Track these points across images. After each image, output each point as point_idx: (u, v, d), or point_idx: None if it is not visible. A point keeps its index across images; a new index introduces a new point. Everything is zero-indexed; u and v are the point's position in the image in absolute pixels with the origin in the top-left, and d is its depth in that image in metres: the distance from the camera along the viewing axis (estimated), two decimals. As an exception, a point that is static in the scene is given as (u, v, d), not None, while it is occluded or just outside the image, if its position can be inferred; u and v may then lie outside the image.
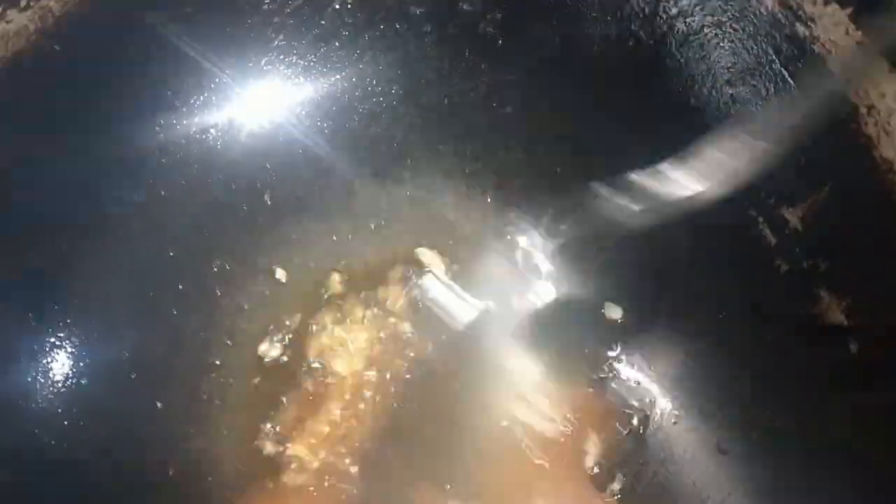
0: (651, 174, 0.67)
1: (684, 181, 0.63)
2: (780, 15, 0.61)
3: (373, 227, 0.80)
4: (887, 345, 0.55)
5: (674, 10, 0.65)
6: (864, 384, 0.57)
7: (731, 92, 0.65)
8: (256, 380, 0.75)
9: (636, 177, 0.68)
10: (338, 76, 0.76)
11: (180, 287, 0.75)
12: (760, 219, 0.64)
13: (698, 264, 0.68)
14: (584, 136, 0.73)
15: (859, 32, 0.57)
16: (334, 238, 0.79)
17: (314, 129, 0.77)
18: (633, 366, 0.73)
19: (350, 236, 0.79)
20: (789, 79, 0.62)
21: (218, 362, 0.75)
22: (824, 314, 0.60)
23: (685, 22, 0.65)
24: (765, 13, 0.62)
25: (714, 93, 0.66)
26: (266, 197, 0.77)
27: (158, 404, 0.72)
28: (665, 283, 0.71)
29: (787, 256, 0.63)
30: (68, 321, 0.69)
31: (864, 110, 0.57)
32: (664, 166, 0.66)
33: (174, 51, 0.70)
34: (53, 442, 0.65)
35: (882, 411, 0.55)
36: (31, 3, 0.64)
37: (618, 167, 0.71)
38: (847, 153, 0.58)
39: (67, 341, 0.69)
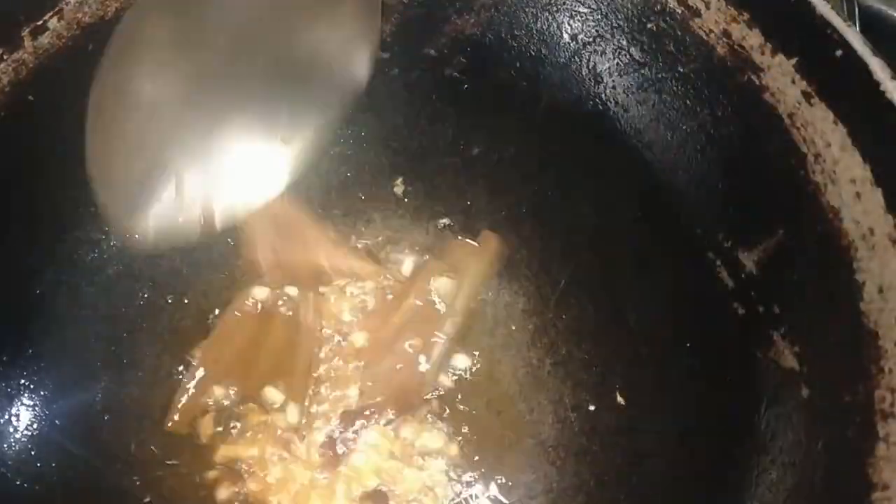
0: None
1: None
2: (729, 63, 0.62)
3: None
4: (837, 392, 0.55)
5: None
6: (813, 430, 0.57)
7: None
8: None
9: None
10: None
11: (155, 328, 0.77)
12: (718, 262, 0.65)
13: (655, 304, 0.69)
14: (548, 180, 0.74)
15: (804, 82, 0.57)
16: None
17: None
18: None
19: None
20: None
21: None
22: (778, 359, 0.61)
23: (634, 76, 0.66)
24: (716, 62, 0.62)
25: (669, 136, 0.66)
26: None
27: (132, 446, 0.73)
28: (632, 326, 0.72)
29: (743, 300, 0.64)
30: (42, 364, 0.70)
31: (811, 158, 0.58)
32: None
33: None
34: (26, 485, 0.67)
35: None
36: (5, 56, 0.66)
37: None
38: (797, 199, 0.58)
39: (41, 384, 0.70)
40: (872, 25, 1.06)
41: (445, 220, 0.80)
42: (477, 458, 0.73)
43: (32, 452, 0.69)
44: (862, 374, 0.53)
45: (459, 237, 0.80)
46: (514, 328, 0.77)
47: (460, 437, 0.73)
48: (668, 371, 0.68)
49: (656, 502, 0.66)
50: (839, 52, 0.54)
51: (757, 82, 0.60)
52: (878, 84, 0.52)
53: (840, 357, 0.56)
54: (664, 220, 0.69)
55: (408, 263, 0.79)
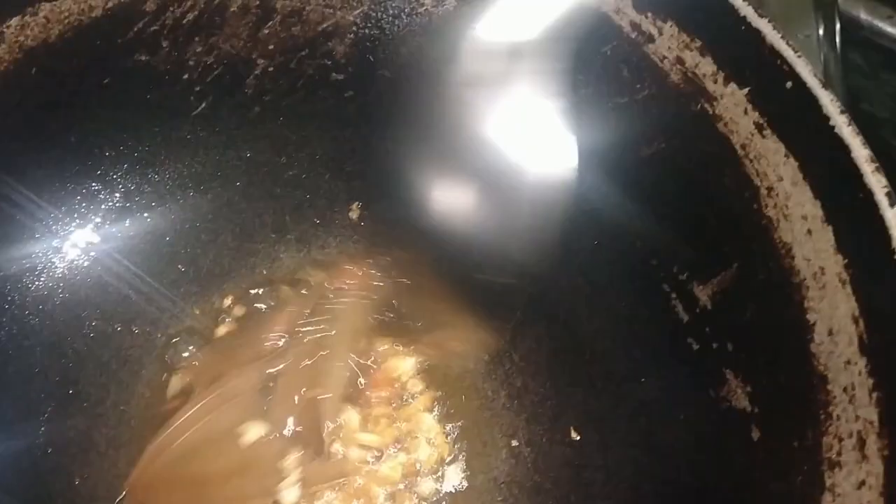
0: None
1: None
2: (684, 90, 0.60)
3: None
4: (786, 437, 0.53)
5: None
6: (762, 474, 0.55)
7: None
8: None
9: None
10: (260, 144, 0.76)
11: (102, 357, 0.75)
12: (674, 295, 0.63)
13: (610, 337, 0.67)
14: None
15: (756, 113, 0.55)
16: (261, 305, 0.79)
17: (234, 196, 0.77)
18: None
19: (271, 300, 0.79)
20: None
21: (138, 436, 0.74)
22: (731, 398, 0.59)
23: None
24: (671, 89, 0.60)
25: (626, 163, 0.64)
26: (186, 266, 0.77)
27: (76, 481, 0.71)
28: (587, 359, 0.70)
29: (697, 335, 0.62)
30: (-17, 397, 0.68)
31: (764, 191, 0.56)
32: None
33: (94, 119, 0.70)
34: (-36, 521, 0.65)
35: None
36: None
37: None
38: (751, 234, 0.57)
39: (-19, 418, 0.68)
40: (853, 33, 1.05)
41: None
42: (428, 494, 0.71)
43: (-31, 490, 0.67)
44: (811, 420, 0.51)
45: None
46: (469, 361, 0.75)
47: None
48: (623, 405, 0.66)
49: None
50: (789, 84, 0.52)
51: (710, 111, 0.58)
52: (827, 118, 0.50)
53: (790, 400, 0.54)
54: (621, 252, 0.67)
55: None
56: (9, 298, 0.70)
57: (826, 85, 0.51)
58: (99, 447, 0.73)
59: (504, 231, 0.69)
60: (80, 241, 0.74)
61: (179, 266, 0.76)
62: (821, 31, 1.05)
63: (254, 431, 0.69)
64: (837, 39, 1.07)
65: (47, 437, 0.71)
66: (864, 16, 1.08)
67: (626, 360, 0.66)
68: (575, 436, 0.68)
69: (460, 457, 0.72)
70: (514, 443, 0.71)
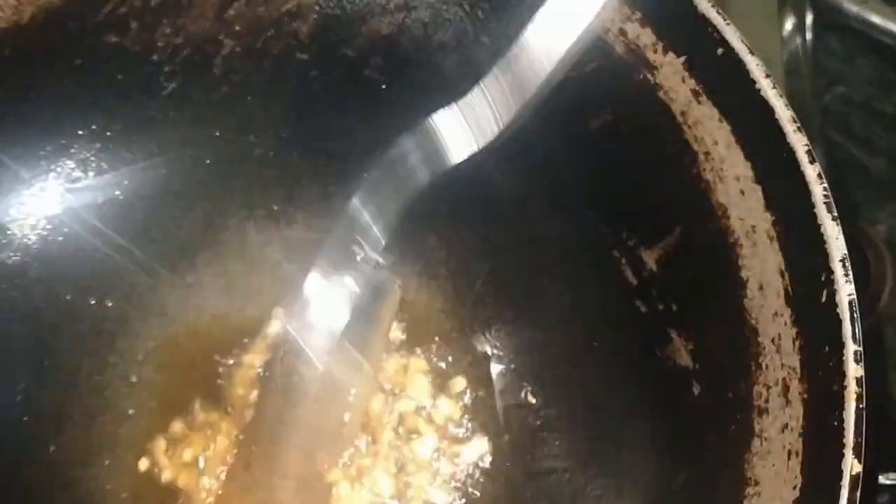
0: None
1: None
2: (627, 61, 0.62)
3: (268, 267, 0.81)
4: (722, 389, 0.56)
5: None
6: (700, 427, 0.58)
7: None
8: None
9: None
10: (228, 122, 0.78)
11: (78, 330, 0.77)
12: (623, 259, 0.65)
13: (567, 302, 0.69)
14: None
15: (693, 80, 0.58)
16: (227, 282, 0.81)
17: (204, 174, 0.79)
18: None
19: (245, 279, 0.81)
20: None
21: (112, 405, 0.76)
22: (675, 357, 0.61)
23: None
24: (616, 60, 0.63)
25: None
26: (158, 242, 0.79)
27: (51, 447, 0.74)
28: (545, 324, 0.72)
29: (645, 298, 0.64)
30: (-41, 365, 0.71)
31: (702, 156, 0.58)
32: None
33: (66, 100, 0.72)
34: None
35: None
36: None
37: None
38: (691, 197, 0.59)
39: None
40: (830, 18, 1.07)
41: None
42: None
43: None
44: (744, 372, 0.54)
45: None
46: (430, 328, 0.77)
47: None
48: (577, 370, 0.68)
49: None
50: (720, 51, 0.55)
51: (652, 81, 0.60)
52: (753, 82, 0.53)
53: (727, 354, 0.56)
54: (574, 217, 0.69)
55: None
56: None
57: (753, 51, 0.53)
58: (73, 416, 0.75)
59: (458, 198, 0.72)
60: (54, 218, 0.76)
61: (152, 243, 0.78)
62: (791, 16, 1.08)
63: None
64: (808, 21, 1.09)
65: (23, 407, 0.73)
66: (840, 1, 1.10)
67: (581, 325, 0.68)
68: (532, 399, 0.70)
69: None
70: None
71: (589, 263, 0.68)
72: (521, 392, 0.71)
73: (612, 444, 0.66)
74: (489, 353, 0.75)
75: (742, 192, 0.56)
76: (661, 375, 0.62)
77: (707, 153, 0.58)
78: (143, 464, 0.75)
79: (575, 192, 0.68)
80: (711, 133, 0.57)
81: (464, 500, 0.71)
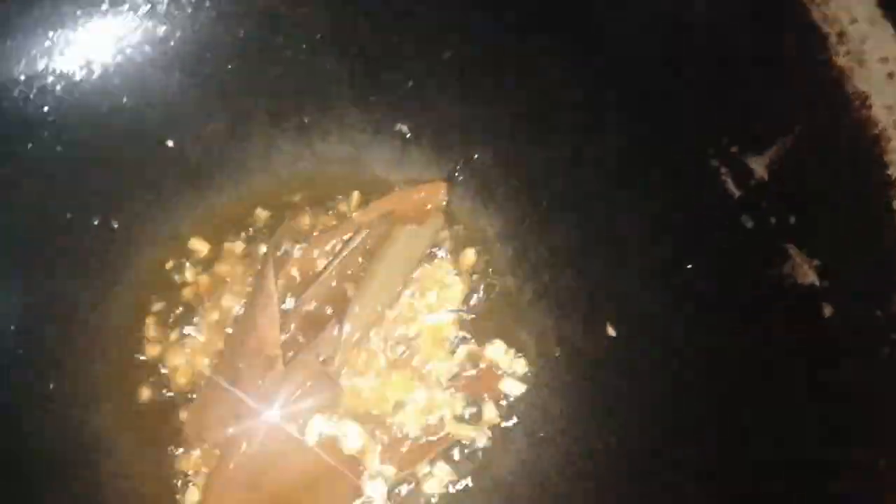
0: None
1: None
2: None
3: (295, 185, 0.71)
4: (866, 308, 0.47)
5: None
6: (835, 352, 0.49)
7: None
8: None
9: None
10: (251, 20, 0.68)
11: (77, 254, 0.67)
12: (723, 169, 0.56)
13: (650, 222, 0.60)
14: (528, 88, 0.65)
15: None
16: (247, 199, 0.71)
17: (229, 75, 0.69)
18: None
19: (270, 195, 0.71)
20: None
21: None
22: (795, 275, 0.52)
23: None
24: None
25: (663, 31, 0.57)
26: (173, 150, 0.69)
27: (50, 385, 0.64)
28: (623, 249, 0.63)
29: (752, 211, 0.55)
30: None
31: (833, 39, 0.49)
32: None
33: None
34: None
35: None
36: None
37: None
38: (817, 89, 0.50)
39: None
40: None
41: (409, 134, 0.70)
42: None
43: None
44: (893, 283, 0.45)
45: (424, 154, 0.70)
46: (489, 256, 0.68)
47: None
48: (666, 297, 0.59)
49: (655, 445, 0.57)
50: None
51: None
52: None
53: (870, 266, 0.48)
54: (659, 126, 0.60)
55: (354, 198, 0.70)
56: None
57: None
58: (75, 354, 0.65)
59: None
60: (54, 124, 0.65)
61: (166, 154, 0.68)
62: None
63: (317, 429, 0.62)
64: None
65: (17, 340, 0.63)
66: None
67: (669, 246, 0.59)
68: (612, 332, 0.61)
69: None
70: (542, 342, 0.64)
71: (678, 177, 0.59)
72: (604, 326, 0.62)
73: (710, 374, 0.57)
74: (558, 279, 0.65)
75: (890, 76, 0.47)
76: (776, 297, 0.53)
77: (842, 34, 0.49)
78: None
79: (660, 95, 0.59)
80: (849, 9, 0.49)
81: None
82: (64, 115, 0.65)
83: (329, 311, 0.65)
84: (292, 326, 0.64)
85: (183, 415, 0.64)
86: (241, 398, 0.63)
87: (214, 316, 0.67)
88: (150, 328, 0.67)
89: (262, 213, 0.71)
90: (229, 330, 0.67)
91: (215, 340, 0.67)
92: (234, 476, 0.59)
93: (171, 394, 0.66)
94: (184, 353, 0.66)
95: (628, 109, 0.61)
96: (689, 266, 0.58)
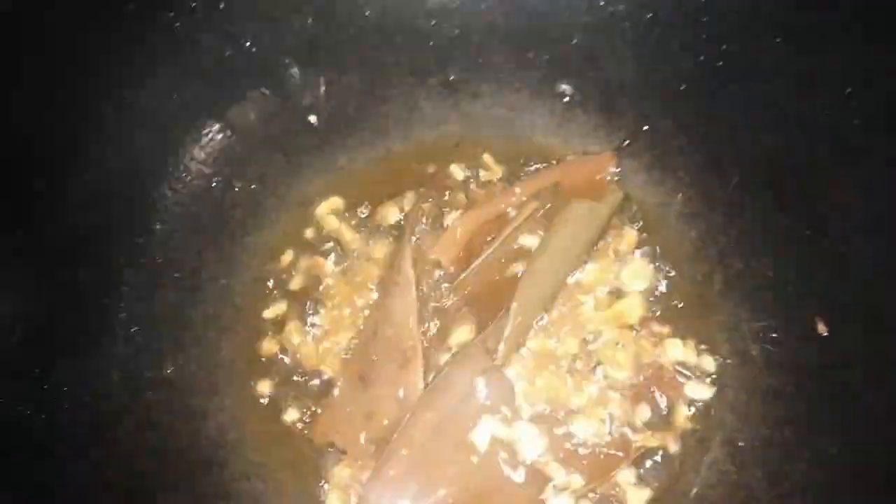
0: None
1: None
2: None
3: (439, 152, 0.63)
4: None
5: None
6: None
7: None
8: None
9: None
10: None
11: (196, 219, 0.58)
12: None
13: (869, 202, 0.51)
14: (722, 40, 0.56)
15: None
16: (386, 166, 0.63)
17: (367, 24, 0.60)
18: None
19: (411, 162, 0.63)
20: None
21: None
22: None
23: None
24: None
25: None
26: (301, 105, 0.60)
27: (168, 368, 0.55)
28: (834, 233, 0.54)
29: None
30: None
31: None
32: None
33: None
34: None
35: None
36: None
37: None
38: None
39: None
40: None
41: (573, 96, 0.62)
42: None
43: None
44: None
45: (591, 119, 0.62)
46: (668, 237, 0.59)
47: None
48: (890, 290, 0.51)
49: (876, 460, 0.49)
50: None
51: None
52: None
53: None
54: (886, 96, 0.51)
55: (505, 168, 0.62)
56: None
57: None
58: (194, 327, 0.57)
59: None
60: (173, 72, 0.57)
61: (294, 110, 0.60)
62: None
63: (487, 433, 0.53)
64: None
65: (130, 314, 0.55)
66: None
67: (889, 230, 0.51)
68: (823, 329, 0.53)
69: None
70: (738, 339, 0.56)
71: None
72: (813, 322, 0.53)
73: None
74: (752, 267, 0.57)
75: None
76: None
77: None
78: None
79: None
80: None
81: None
82: (180, 61, 0.57)
83: (490, 296, 0.56)
84: (447, 313, 0.56)
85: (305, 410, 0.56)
86: (375, 396, 0.54)
87: (346, 300, 0.59)
88: (274, 310, 0.58)
89: (401, 182, 0.61)
90: (364, 315, 0.58)
91: (346, 326, 0.58)
92: (394, 486, 0.50)
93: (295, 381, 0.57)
94: (310, 341, 0.57)
95: (855, 77, 0.52)
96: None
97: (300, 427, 0.56)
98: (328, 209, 0.61)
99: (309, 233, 0.61)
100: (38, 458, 0.48)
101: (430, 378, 0.54)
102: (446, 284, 0.57)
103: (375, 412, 0.55)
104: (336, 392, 0.56)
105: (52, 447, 0.48)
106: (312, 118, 0.61)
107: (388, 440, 0.52)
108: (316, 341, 0.58)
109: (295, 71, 0.60)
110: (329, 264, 0.60)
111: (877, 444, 0.49)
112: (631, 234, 0.59)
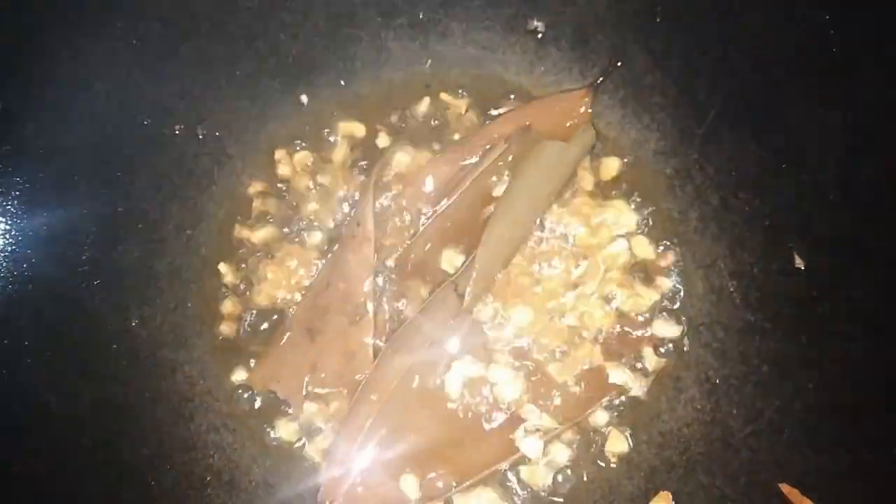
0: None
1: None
2: None
3: (409, 93, 0.61)
4: None
5: None
6: None
7: None
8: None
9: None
10: None
11: (158, 166, 0.57)
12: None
13: (848, 134, 0.50)
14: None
15: None
16: (353, 109, 0.61)
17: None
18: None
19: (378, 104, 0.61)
20: None
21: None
22: None
23: None
24: None
25: None
26: (265, 55, 0.58)
27: (133, 321, 0.54)
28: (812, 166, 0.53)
29: None
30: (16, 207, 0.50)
31: None
32: None
33: None
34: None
35: None
36: None
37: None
38: None
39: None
40: None
41: (545, 32, 0.60)
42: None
43: None
44: None
45: (564, 56, 0.60)
46: (645, 173, 0.58)
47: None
48: (868, 220, 0.49)
49: (853, 395, 0.48)
50: None
51: None
52: None
53: None
54: (867, 22, 0.49)
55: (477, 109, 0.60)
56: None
57: None
58: (159, 279, 0.56)
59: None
60: (131, 14, 0.54)
61: (257, 54, 0.58)
62: None
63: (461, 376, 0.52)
64: None
65: (93, 266, 0.53)
66: None
67: (872, 159, 0.49)
68: (800, 263, 0.51)
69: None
70: (715, 276, 0.55)
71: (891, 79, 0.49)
72: (790, 256, 0.52)
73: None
74: (728, 203, 0.55)
75: None
76: None
77: None
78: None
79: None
80: None
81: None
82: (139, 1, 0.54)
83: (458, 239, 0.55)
84: (412, 257, 0.55)
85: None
86: (321, 348, 0.53)
87: (305, 243, 0.58)
88: (235, 255, 0.57)
89: (368, 127, 0.60)
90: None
91: (302, 274, 0.57)
92: (365, 432, 0.49)
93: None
94: (268, 284, 0.56)
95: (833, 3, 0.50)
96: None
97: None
98: (291, 155, 0.60)
99: (274, 179, 0.60)
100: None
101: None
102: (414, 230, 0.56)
103: (319, 364, 0.54)
104: (283, 340, 0.55)
105: (11, 403, 0.47)
106: (276, 60, 0.59)
107: (334, 392, 0.51)
108: (272, 286, 0.57)
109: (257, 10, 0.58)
110: (291, 212, 0.59)
111: (853, 379, 0.49)
112: (613, 163, 0.58)
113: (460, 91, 0.60)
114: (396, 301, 0.55)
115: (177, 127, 0.57)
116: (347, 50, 0.60)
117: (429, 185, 0.56)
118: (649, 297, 0.55)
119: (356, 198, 0.58)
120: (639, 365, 0.54)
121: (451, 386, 0.51)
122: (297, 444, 0.54)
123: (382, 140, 0.59)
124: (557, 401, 0.51)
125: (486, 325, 0.53)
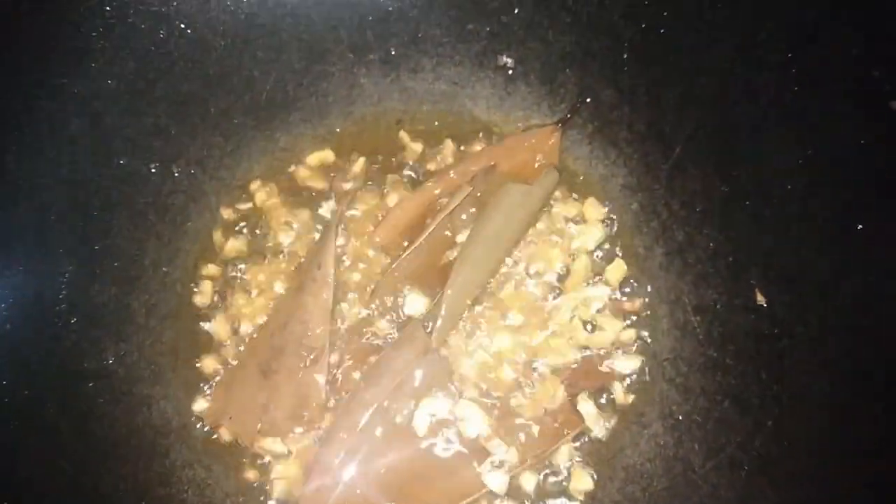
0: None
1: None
2: None
3: (381, 129, 0.62)
4: None
5: None
6: None
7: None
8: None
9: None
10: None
11: (135, 203, 0.58)
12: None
13: (810, 172, 0.51)
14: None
15: None
16: (325, 145, 0.62)
17: (298, 4, 0.59)
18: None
19: (350, 142, 0.62)
20: None
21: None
22: None
23: None
24: None
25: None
26: (237, 93, 0.59)
27: (109, 359, 0.55)
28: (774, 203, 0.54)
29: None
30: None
31: None
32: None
33: None
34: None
35: None
36: None
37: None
38: None
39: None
40: None
41: (514, 68, 0.61)
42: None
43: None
44: None
45: (533, 91, 0.61)
46: (611, 210, 0.59)
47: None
48: (829, 258, 0.50)
49: (811, 431, 0.49)
50: None
51: None
52: None
53: None
54: (824, 60, 0.50)
55: (448, 145, 0.61)
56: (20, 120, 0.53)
57: None
58: (135, 316, 0.57)
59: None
60: (103, 52, 0.56)
61: (231, 91, 0.59)
62: None
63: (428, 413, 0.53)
64: None
65: (70, 304, 0.55)
66: None
67: (829, 198, 0.50)
68: (761, 300, 0.52)
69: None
70: (679, 311, 0.56)
71: (851, 114, 0.50)
72: (752, 293, 0.53)
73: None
74: (694, 239, 0.56)
75: None
76: None
77: None
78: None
79: (831, 19, 0.50)
80: None
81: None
82: (114, 41, 0.55)
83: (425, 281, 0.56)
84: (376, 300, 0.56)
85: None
86: (274, 388, 0.54)
87: (267, 286, 0.58)
88: (207, 293, 0.58)
89: (338, 162, 0.61)
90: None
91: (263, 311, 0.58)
92: (335, 469, 0.51)
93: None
94: (244, 318, 0.57)
95: (793, 39, 0.51)
96: (860, 226, 0.49)
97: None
98: (265, 191, 0.61)
99: (248, 214, 0.61)
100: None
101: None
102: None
103: (272, 404, 0.55)
104: (234, 377, 0.56)
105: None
106: (249, 97, 0.60)
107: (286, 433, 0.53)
108: (248, 320, 0.58)
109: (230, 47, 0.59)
110: (266, 246, 0.60)
111: (814, 415, 0.50)
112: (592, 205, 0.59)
113: (430, 127, 0.61)
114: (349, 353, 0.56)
115: (152, 165, 0.58)
116: (320, 86, 0.61)
117: (395, 226, 0.57)
118: (614, 331, 0.55)
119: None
120: (603, 400, 0.55)
121: (419, 422, 0.52)
122: (268, 483, 0.55)
123: (350, 180, 0.60)
124: (522, 436, 0.52)
125: (453, 361, 0.54)
